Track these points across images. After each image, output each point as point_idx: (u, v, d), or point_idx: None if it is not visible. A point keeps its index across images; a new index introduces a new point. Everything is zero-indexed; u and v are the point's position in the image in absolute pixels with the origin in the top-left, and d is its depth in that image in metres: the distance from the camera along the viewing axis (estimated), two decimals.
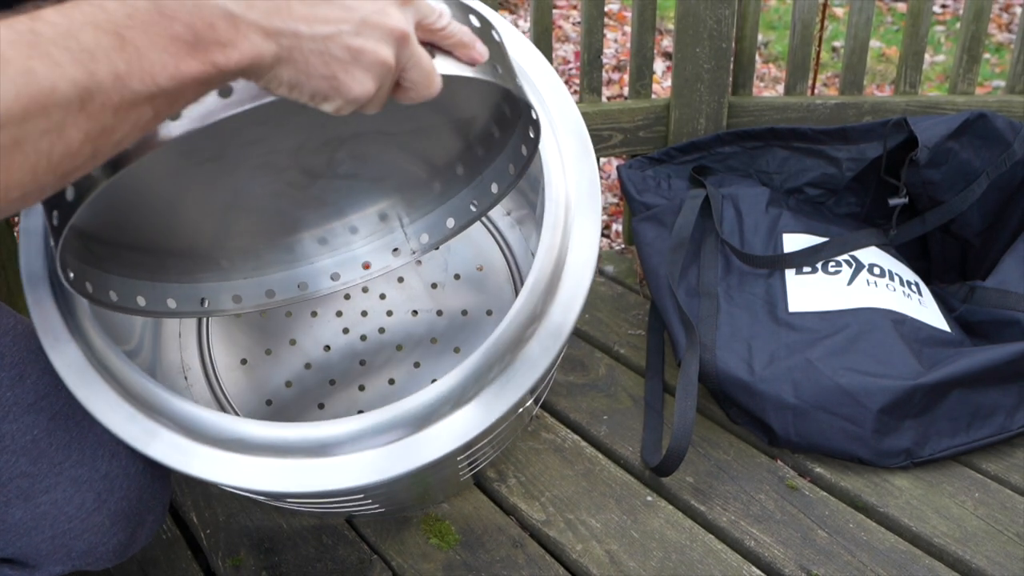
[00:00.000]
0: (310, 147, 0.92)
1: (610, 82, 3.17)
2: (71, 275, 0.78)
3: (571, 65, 3.29)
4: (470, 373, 0.85)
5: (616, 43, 3.45)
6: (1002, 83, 1.89)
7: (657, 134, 1.77)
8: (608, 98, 2.96)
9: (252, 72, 0.53)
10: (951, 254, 1.56)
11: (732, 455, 1.29)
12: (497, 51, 0.68)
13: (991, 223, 1.51)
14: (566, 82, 3.20)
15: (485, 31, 0.67)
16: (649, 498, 1.22)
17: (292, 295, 1.05)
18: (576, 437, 1.34)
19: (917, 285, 1.42)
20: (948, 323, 1.37)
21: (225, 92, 0.58)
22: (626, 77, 3.07)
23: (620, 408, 1.39)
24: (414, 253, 1.07)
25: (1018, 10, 3.76)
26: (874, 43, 3.43)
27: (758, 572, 1.11)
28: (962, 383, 1.23)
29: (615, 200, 2.49)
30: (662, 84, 2.97)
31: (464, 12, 0.66)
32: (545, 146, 0.92)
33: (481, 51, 0.63)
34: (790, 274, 1.39)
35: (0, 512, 0.84)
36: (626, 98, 1.81)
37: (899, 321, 1.31)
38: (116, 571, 1.13)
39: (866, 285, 1.36)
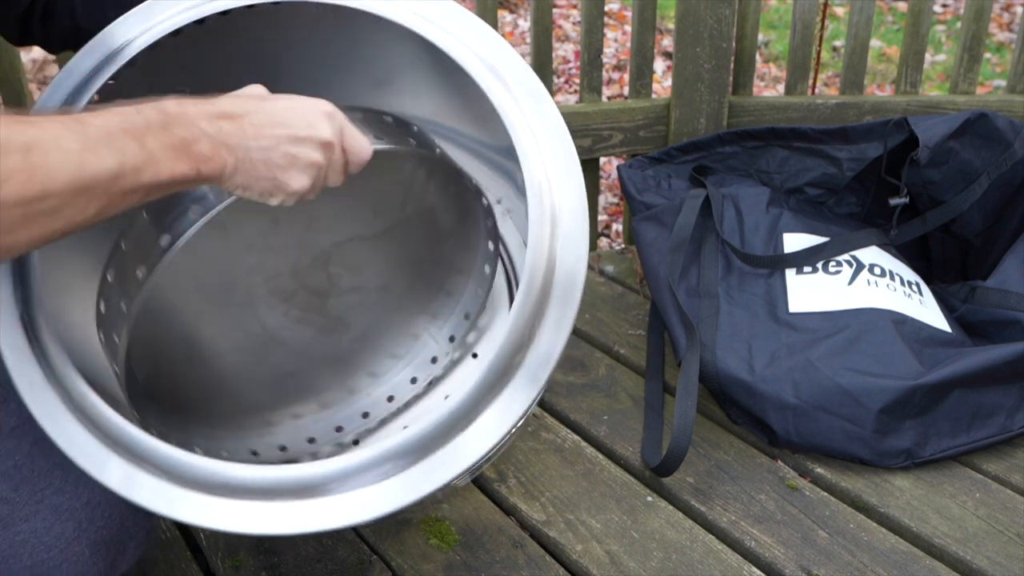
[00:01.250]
0: (304, 265, 1.00)
1: (610, 82, 3.17)
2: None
3: (571, 65, 3.29)
4: (456, 408, 0.80)
5: (616, 43, 3.45)
6: (1003, 83, 1.89)
7: (657, 134, 1.77)
8: (608, 98, 2.95)
9: (217, 178, 0.70)
10: (952, 254, 1.56)
11: (732, 455, 1.29)
12: (413, 136, 0.86)
13: (992, 223, 1.51)
14: (566, 82, 3.20)
15: (402, 125, 0.86)
16: (649, 498, 1.22)
17: (357, 424, 1.13)
18: (576, 437, 1.34)
19: (918, 285, 1.41)
20: (949, 323, 1.37)
21: (199, 199, 0.76)
22: (626, 77, 3.07)
23: (620, 408, 1.39)
24: (447, 355, 1.13)
25: (1019, 9, 3.76)
26: (875, 43, 3.43)
27: (758, 572, 1.11)
28: (963, 383, 1.23)
29: (615, 200, 2.49)
30: (662, 84, 2.97)
31: (379, 114, 0.84)
32: (528, 158, 0.87)
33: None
34: (790, 274, 1.39)
35: None
36: (626, 98, 1.81)
37: (900, 321, 1.31)
38: None
39: (867, 285, 1.36)
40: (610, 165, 2.60)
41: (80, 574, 0.85)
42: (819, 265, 1.39)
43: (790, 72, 1.77)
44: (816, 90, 1.88)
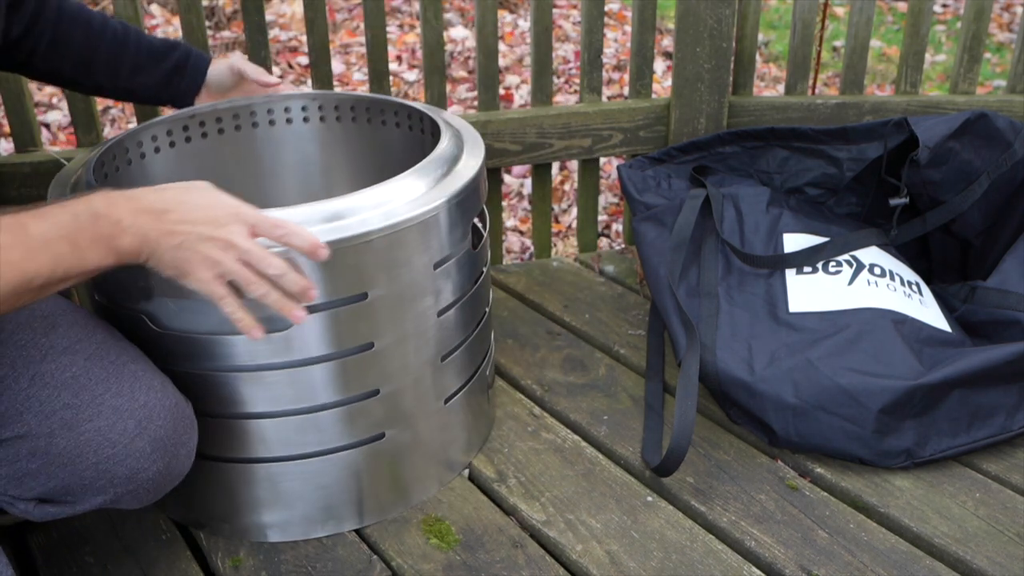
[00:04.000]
0: None
1: (610, 82, 3.16)
2: None
3: (571, 65, 3.29)
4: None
5: (616, 43, 3.45)
6: (1003, 83, 1.89)
7: (657, 134, 1.77)
8: (608, 98, 2.95)
9: (135, 262, 0.84)
10: (952, 254, 1.56)
11: (732, 455, 1.29)
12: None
13: (992, 223, 1.51)
14: (566, 82, 3.20)
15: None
16: (649, 498, 1.22)
17: None
18: (576, 437, 1.34)
19: (918, 285, 1.41)
20: (949, 323, 1.37)
21: None
22: (626, 77, 3.06)
23: (620, 408, 1.39)
24: None
25: (1019, 9, 3.76)
26: (875, 43, 3.43)
27: (758, 572, 1.11)
28: (962, 383, 1.23)
29: (615, 200, 2.49)
30: (662, 84, 2.97)
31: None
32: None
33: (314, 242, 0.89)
34: (791, 274, 1.39)
35: (44, 443, 0.90)
36: (626, 98, 1.81)
37: (900, 321, 1.31)
38: (116, 571, 1.13)
39: (867, 285, 1.36)
40: (610, 165, 2.60)
41: (142, 469, 0.93)
42: (819, 265, 1.39)
43: (790, 72, 1.76)
44: (816, 90, 1.88)
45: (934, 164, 1.41)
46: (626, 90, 2.63)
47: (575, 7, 3.69)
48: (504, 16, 3.57)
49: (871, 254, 1.42)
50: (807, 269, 1.39)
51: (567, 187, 2.56)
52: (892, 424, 1.22)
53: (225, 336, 1.02)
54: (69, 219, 0.80)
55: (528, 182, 2.48)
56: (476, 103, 1.73)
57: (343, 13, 3.54)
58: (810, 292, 1.36)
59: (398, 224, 1.03)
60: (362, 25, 1.64)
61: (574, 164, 2.47)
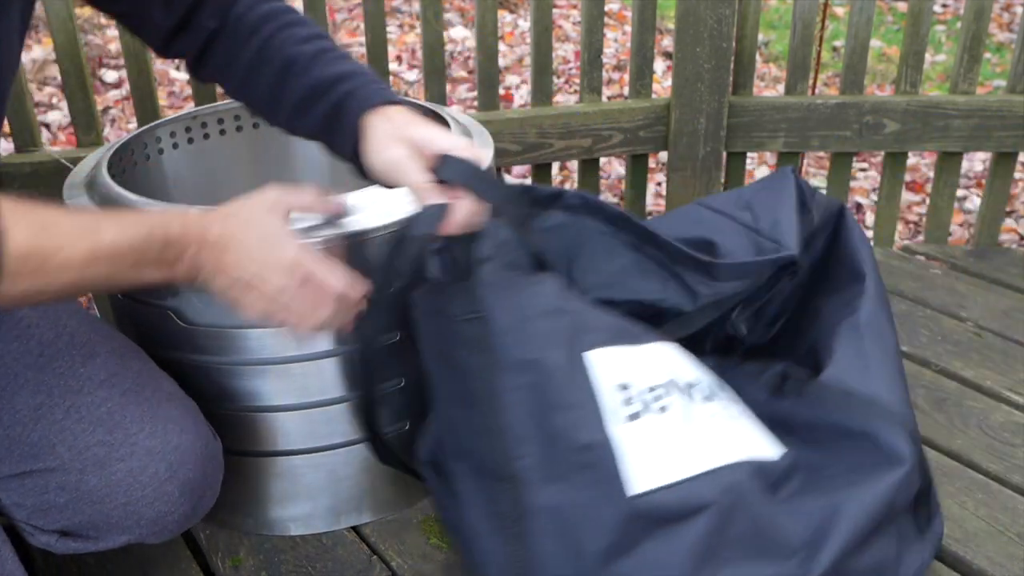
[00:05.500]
0: None
1: (610, 82, 3.17)
2: None
3: (571, 65, 3.29)
4: None
5: (616, 43, 3.45)
6: (1003, 83, 1.89)
7: (657, 134, 1.77)
8: (608, 98, 2.95)
9: (185, 284, 0.89)
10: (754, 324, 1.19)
11: None
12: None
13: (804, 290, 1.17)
14: (566, 82, 3.20)
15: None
16: None
17: None
18: None
19: (727, 392, 1.03)
20: (769, 436, 1.00)
21: None
22: (626, 77, 3.06)
23: None
24: None
25: (1019, 9, 3.76)
26: (875, 43, 3.43)
27: None
28: (848, 554, 0.92)
29: (615, 200, 2.49)
30: (662, 84, 2.97)
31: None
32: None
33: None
34: (621, 427, 0.89)
35: (75, 479, 0.89)
36: (626, 98, 1.81)
37: (756, 471, 0.93)
38: (116, 571, 1.13)
39: (707, 419, 0.95)
40: (610, 165, 2.60)
41: (169, 512, 0.93)
42: (647, 404, 0.92)
43: (790, 72, 1.76)
44: (816, 90, 1.88)
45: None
46: (626, 90, 2.63)
47: (575, 7, 3.69)
48: (504, 16, 3.57)
49: (679, 366, 0.99)
50: (630, 414, 0.90)
51: (567, 187, 2.56)
52: None
53: (253, 330, 1.03)
54: (143, 237, 0.78)
55: (528, 182, 2.48)
56: (476, 103, 1.73)
57: (343, 13, 3.54)
58: (650, 451, 0.90)
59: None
60: (362, 25, 1.64)
61: (574, 164, 2.46)
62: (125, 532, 0.93)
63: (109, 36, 3.15)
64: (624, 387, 0.91)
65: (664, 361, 0.97)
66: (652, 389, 0.92)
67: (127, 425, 0.90)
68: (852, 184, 2.32)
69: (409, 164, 0.88)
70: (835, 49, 3.33)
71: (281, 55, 0.97)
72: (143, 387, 0.94)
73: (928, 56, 3.22)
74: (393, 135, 0.90)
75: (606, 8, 1.94)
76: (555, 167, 2.58)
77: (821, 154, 2.55)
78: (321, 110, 0.95)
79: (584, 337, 0.91)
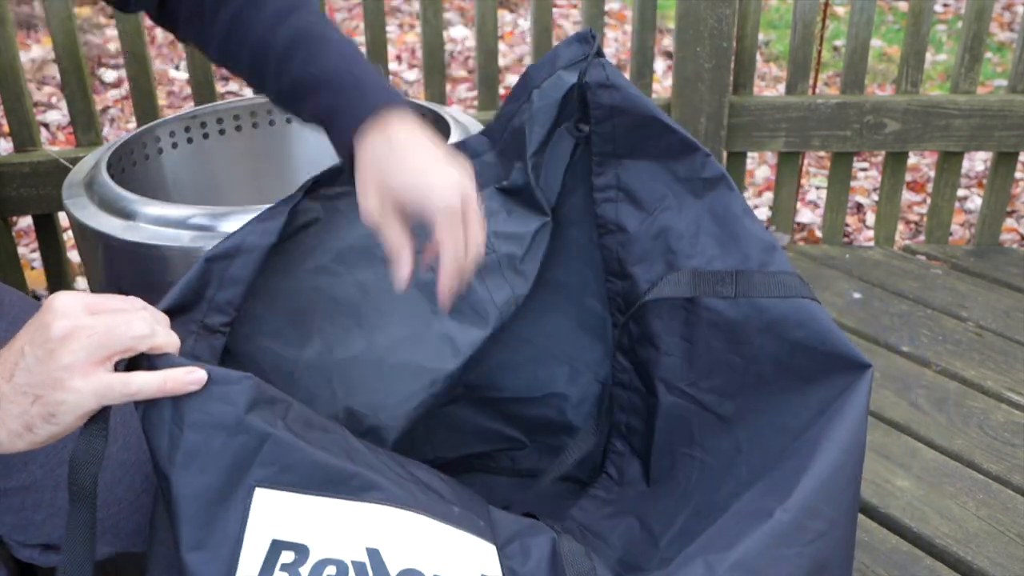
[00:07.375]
0: None
1: None
2: None
3: None
4: None
5: (616, 42, 3.45)
6: (1004, 82, 1.89)
7: None
8: None
9: None
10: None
11: None
12: None
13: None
14: None
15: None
16: None
17: None
18: None
19: None
20: None
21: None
22: (626, 76, 3.05)
23: None
24: None
25: (1020, 9, 3.76)
26: (875, 42, 3.42)
27: None
28: None
29: None
30: (662, 83, 2.97)
31: None
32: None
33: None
34: None
35: (49, 496, 0.87)
36: None
37: None
38: (114, 571, 1.12)
39: None
40: None
41: (147, 523, 0.88)
42: None
43: (791, 72, 1.76)
44: (817, 89, 1.88)
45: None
46: None
47: (575, 7, 3.68)
48: (504, 16, 3.56)
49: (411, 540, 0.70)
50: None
51: None
52: None
53: None
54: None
55: None
56: (476, 103, 1.73)
57: (343, 13, 3.54)
58: None
59: None
60: (362, 25, 1.64)
61: None
62: (107, 544, 0.91)
63: (108, 36, 3.15)
64: (291, 547, 0.66)
65: (382, 533, 0.67)
66: (328, 563, 0.66)
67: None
68: (852, 184, 2.31)
69: (387, 219, 0.78)
70: (836, 49, 3.32)
71: (251, 40, 0.85)
72: None
73: (929, 56, 3.21)
74: (373, 179, 0.79)
75: (606, 8, 1.93)
76: None
77: (822, 154, 2.55)
78: (308, 111, 0.85)
79: (258, 471, 0.67)
